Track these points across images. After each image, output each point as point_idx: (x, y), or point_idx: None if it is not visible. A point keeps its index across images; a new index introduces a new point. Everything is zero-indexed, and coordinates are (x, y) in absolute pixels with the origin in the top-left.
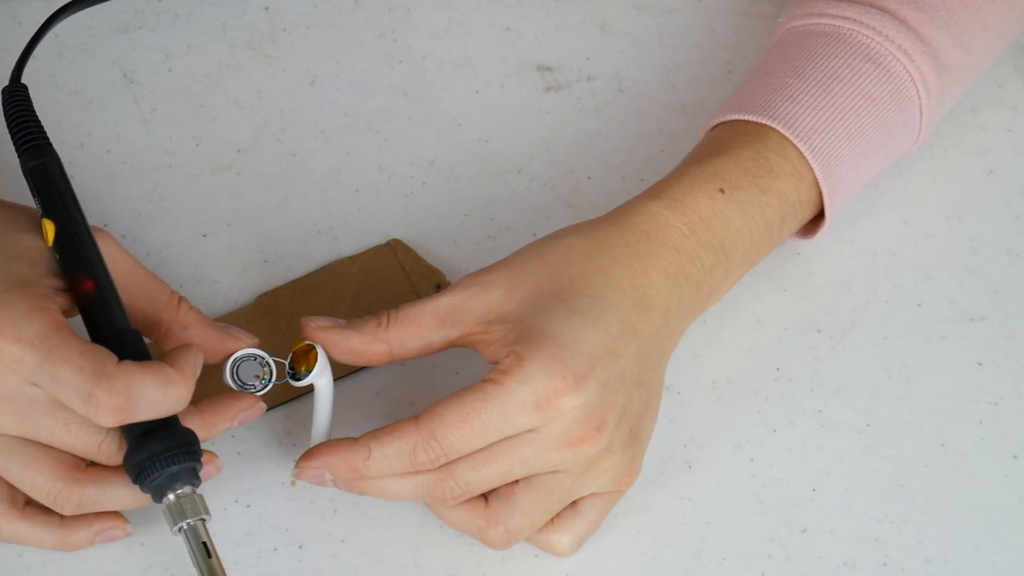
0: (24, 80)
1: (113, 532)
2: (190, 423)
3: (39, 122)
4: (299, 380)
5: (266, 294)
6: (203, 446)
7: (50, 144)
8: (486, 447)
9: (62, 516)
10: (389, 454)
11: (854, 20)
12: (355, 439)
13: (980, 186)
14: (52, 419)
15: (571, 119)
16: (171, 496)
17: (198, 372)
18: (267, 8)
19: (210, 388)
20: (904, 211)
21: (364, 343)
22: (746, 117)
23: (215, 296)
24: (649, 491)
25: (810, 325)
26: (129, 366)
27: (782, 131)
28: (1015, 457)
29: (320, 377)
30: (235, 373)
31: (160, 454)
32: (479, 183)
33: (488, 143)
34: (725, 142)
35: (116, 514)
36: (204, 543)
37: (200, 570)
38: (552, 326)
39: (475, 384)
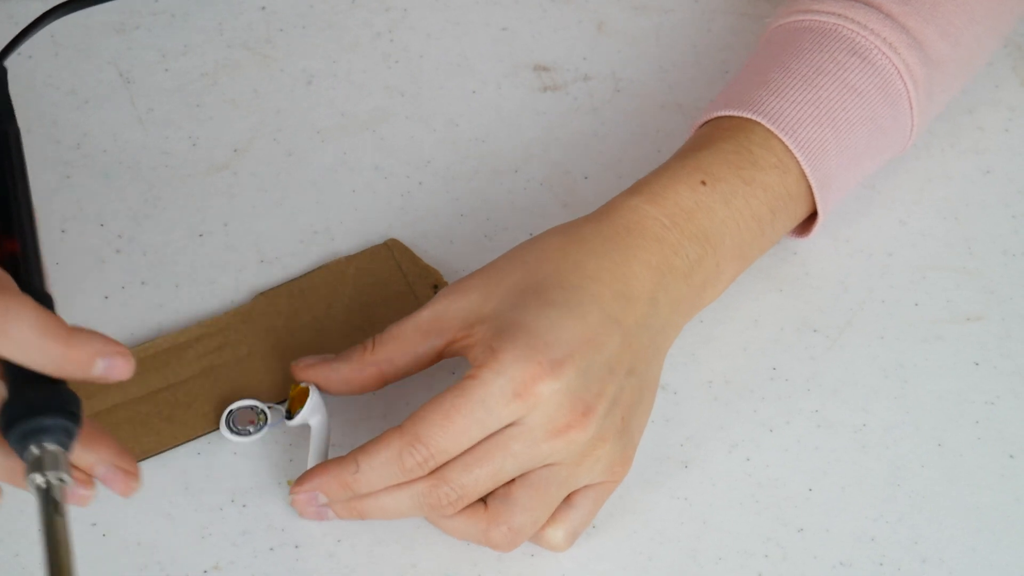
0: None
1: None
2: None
3: (9, 100)
4: (293, 420)
5: (263, 294)
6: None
7: (13, 119)
8: (475, 446)
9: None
10: (376, 464)
11: (839, 15)
12: (342, 457)
13: (977, 186)
14: None
15: (568, 119)
16: (34, 449)
17: (92, 356)
18: (264, 8)
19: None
20: (901, 211)
21: (354, 371)
22: (730, 113)
23: (212, 296)
24: (645, 490)
25: (806, 325)
26: (20, 295)
27: (766, 124)
28: (1011, 457)
29: (312, 416)
30: (231, 421)
31: (34, 403)
32: (476, 183)
33: (485, 143)
34: (708, 138)
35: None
36: (56, 501)
37: (45, 529)
38: (526, 318)
39: (454, 384)
